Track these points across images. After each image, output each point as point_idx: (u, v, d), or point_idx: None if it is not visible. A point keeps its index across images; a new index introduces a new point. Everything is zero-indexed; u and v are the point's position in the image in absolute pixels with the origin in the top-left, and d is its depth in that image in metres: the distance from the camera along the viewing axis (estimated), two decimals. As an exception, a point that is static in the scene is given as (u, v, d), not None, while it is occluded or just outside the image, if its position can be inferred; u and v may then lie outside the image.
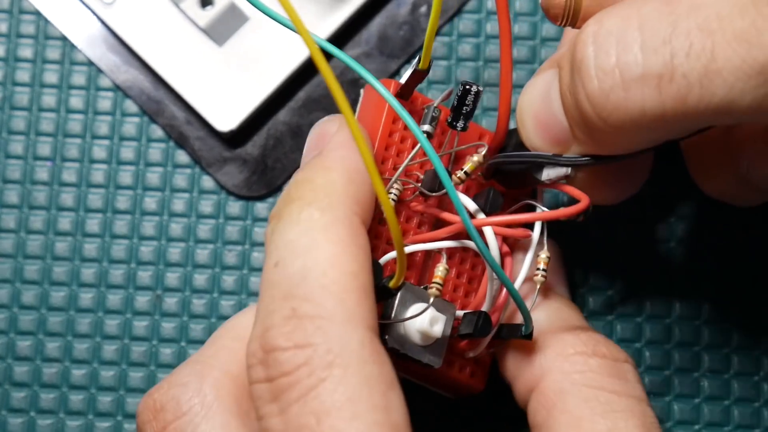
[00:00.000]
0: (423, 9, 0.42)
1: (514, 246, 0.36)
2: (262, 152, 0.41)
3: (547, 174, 0.34)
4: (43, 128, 0.42)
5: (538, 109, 0.33)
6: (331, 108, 0.41)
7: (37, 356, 0.40)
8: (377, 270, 0.32)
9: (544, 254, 0.35)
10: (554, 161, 0.33)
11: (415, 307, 0.33)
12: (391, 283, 0.32)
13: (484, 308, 0.34)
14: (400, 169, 0.34)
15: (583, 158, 0.33)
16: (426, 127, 0.33)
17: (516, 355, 0.35)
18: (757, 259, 0.41)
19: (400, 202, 0.34)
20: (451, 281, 0.35)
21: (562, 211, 0.34)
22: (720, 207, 0.41)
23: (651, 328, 0.40)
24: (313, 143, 0.34)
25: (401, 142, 0.35)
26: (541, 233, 0.35)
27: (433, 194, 0.34)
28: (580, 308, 0.40)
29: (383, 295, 0.32)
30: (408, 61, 0.42)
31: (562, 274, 0.38)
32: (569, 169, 0.33)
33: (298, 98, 0.42)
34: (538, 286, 0.35)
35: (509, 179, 0.35)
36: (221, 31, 0.41)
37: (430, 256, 0.35)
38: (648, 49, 0.30)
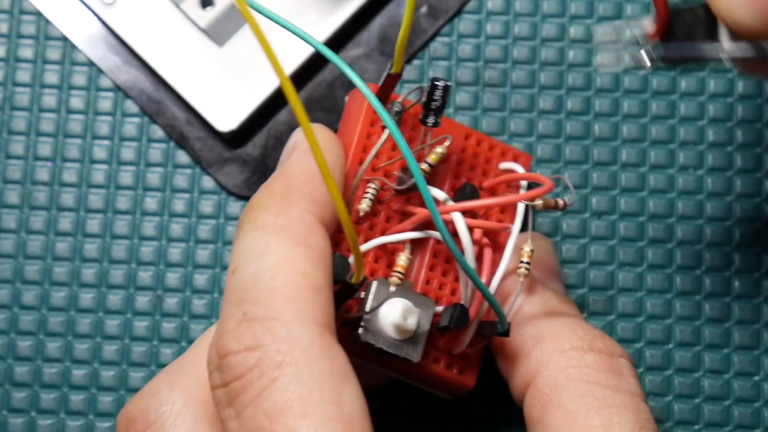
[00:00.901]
0: (423, 9, 0.42)
1: (504, 242, 0.36)
2: (263, 153, 0.41)
3: (733, 48, 0.31)
4: (43, 128, 0.42)
5: None
6: (332, 108, 0.41)
7: (38, 356, 0.40)
8: (343, 265, 0.32)
9: (527, 247, 0.35)
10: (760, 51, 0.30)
11: (391, 302, 0.33)
12: (353, 279, 0.32)
13: (460, 300, 0.34)
14: (366, 162, 0.34)
15: None
16: None
17: (512, 351, 0.35)
18: (758, 259, 0.41)
19: (379, 203, 0.35)
20: (436, 279, 0.35)
21: (525, 195, 0.34)
22: (720, 206, 0.41)
23: (651, 328, 0.40)
24: (284, 155, 0.34)
25: None
26: (524, 226, 0.35)
27: (402, 187, 0.34)
28: (580, 308, 0.40)
29: (349, 291, 0.32)
30: (408, 62, 0.42)
31: (556, 270, 0.38)
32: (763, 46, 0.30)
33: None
34: (521, 279, 0.35)
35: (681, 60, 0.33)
36: (222, 31, 0.41)
37: (417, 254, 0.35)
38: None
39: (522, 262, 0.35)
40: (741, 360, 0.40)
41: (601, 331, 0.35)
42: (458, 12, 0.42)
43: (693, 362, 0.40)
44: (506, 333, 0.34)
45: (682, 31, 0.32)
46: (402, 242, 0.34)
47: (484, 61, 0.42)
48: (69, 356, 0.40)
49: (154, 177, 0.41)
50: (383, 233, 0.35)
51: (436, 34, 0.42)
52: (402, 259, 0.34)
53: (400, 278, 0.33)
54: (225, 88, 0.41)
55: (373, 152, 0.34)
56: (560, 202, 0.35)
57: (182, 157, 0.41)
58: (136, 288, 0.40)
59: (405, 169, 0.34)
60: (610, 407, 0.33)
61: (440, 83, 0.34)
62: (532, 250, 0.35)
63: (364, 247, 0.34)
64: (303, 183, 0.32)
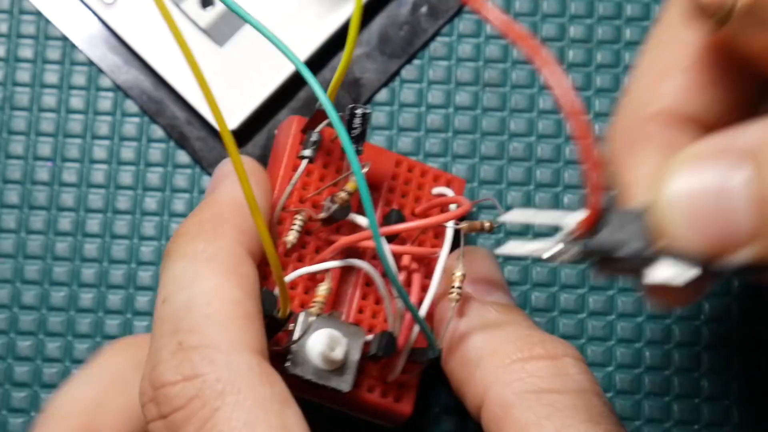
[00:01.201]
0: (424, 9, 0.42)
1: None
2: (263, 153, 0.41)
3: (668, 275, 0.28)
4: (43, 128, 0.42)
5: (704, 204, 0.27)
6: (332, 108, 0.41)
7: (38, 356, 0.40)
8: (270, 300, 0.32)
9: (458, 272, 0.35)
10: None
11: (317, 333, 0.33)
12: (280, 314, 0.32)
13: (389, 328, 0.34)
14: (286, 192, 0.34)
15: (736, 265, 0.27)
16: (307, 152, 0.34)
17: (458, 376, 0.34)
18: (757, 260, 0.41)
19: (308, 234, 0.35)
20: (369, 307, 0.35)
21: (443, 216, 0.34)
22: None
23: (651, 328, 0.40)
24: (212, 185, 0.34)
25: (307, 175, 0.35)
26: (454, 251, 0.35)
27: (326, 215, 0.34)
28: (580, 308, 0.40)
29: (277, 325, 0.32)
30: (408, 62, 0.42)
31: (496, 279, 0.37)
32: (697, 271, 0.27)
33: (298, 98, 0.42)
34: (452, 305, 0.35)
35: (608, 266, 0.30)
36: (222, 31, 0.41)
37: (349, 283, 0.35)
38: None
39: (453, 287, 0.35)
40: (741, 360, 0.40)
41: (543, 334, 0.34)
42: (458, 12, 0.42)
43: (693, 362, 0.40)
44: (438, 359, 0.34)
45: (614, 229, 0.29)
46: (324, 271, 0.34)
47: (484, 61, 0.42)
48: (69, 356, 0.40)
49: (154, 177, 0.41)
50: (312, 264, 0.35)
51: (436, 33, 0.42)
52: (322, 288, 0.34)
53: (320, 309, 0.33)
54: (225, 88, 0.41)
55: (293, 180, 0.34)
56: (486, 224, 0.35)
57: (182, 157, 0.41)
58: (136, 288, 0.41)
59: (332, 198, 0.34)
60: (560, 411, 0.32)
61: (359, 110, 0.34)
62: (463, 275, 0.35)
63: (286, 279, 0.33)
64: (232, 213, 0.32)
